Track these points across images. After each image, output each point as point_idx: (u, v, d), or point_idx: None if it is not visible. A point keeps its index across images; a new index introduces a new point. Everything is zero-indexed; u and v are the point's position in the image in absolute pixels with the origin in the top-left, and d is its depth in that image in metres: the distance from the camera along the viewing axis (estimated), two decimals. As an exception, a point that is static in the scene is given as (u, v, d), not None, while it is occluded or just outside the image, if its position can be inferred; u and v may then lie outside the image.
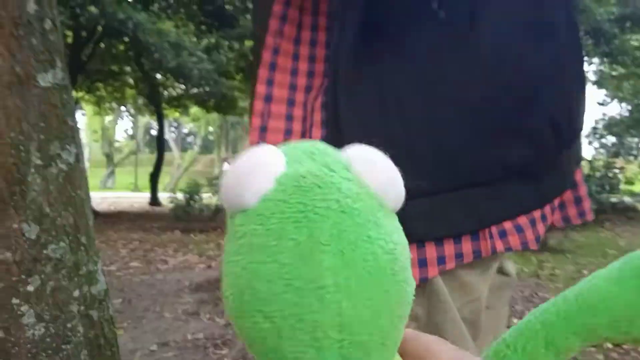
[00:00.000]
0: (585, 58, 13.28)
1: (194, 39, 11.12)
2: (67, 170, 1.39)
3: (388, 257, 0.24)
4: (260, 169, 0.24)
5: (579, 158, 0.90)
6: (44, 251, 1.31)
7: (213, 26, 11.75)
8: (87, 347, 1.44)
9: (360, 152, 0.26)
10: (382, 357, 0.25)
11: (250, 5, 10.60)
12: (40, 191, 1.32)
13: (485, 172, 0.73)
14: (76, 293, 1.38)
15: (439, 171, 0.72)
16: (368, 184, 0.25)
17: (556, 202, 0.86)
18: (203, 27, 12.29)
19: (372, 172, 0.25)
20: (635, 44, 14.60)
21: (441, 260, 0.77)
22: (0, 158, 1.25)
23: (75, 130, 1.46)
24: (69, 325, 1.37)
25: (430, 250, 0.76)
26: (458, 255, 0.77)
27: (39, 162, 1.33)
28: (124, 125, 47.39)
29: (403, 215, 0.26)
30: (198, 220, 9.88)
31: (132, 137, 43.60)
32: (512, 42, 0.73)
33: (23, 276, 1.26)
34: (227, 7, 11.20)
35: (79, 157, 1.45)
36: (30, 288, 1.28)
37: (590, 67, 14.13)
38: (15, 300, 1.26)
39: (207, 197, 10.27)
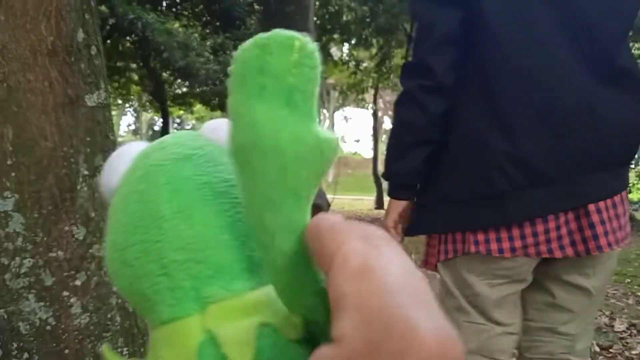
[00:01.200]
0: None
1: (200, 40, 11.28)
2: (108, 179, 1.58)
3: (224, 184, 0.27)
4: (118, 158, 0.31)
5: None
6: (90, 250, 1.50)
7: (219, 27, 11.93)
8: (123, 335, 1.63)
9: (208, 124, 0.32)
10: (232, 273, 0.25)
11: (256, 7, 10.78)
12: (87, 198, 1.50)
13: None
14: (114, 288, 1.56)
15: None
16: (214, 139, 0.30)
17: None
18: (209, 28, 12.48)
19: (216, 132, 0.31)
20: (637, 52, 14.77)
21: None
22: (55, 169, 1.44)
23: (114, 144, 1.65)
24: (109, 315, 1.56)
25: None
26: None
27: (86, 172, 1.51)
28: (127, 121, 47.61)
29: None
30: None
31: (135, 132, 43.79)
32: None
33: (72, 272, 1.45)
34: (234, 8, 11.38)
35: (117, 167, 1.64)
36: (77, 282, 1.47)
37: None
38: (65, 293, 1.45)
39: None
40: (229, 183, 0.27)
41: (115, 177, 0.30)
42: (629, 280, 5.84)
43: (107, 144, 1.57)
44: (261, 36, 0.22)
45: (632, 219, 10.44)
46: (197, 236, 0.26)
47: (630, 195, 10.41)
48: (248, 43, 0.23)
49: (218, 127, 0.31)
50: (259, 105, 0.22)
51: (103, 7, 9.05)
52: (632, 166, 10.28)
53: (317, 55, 0.23)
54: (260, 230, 0.22)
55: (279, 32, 0.22)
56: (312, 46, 0.23)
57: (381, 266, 0.17)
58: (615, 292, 5.29)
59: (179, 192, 0.27)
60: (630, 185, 10.07)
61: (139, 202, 0.27)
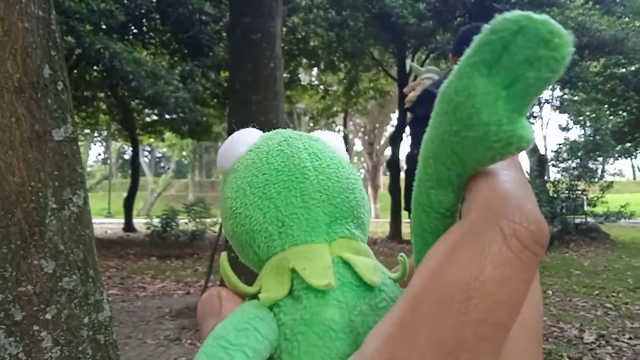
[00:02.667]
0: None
1: (169, 68, 11.30)
2: (77, 212, 1.59)
3: (349, 167, 0.36)
4: (238, 141, 0.38)
5: None
6: (60, 284, 1.50)
7: (187, 55, 11.97)
8: (95, 368, 1.62)
9: (322, 133, 0.40)
10: (352, 222, 0.33)
11: (224, 35, 10.88)
12: (56, 231, 1.51)
13: None
14: (86, 320, 1.56)
15: None
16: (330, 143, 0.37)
17: None
18: (177, 56, 12.51)
19: (331, 139, 0.38)
20: (595, 70, 15.37)
21: None
22: (23, 204, 1.45)
23: (83, 177, 1.66)
24: (80, 348, 1.55)
25: None
26: None
27: (54, 205, 1.52)
28: (97, 150, 46.84)
29: None
30: (174, 246, 9.92)
31: (105, 162, 43.12)
32: None
33: (42, 306, 1.45)
34: (201, 36, 11.44)
35: (86, 200, 1.65)
36: (48, 316, 1.46)
37: (553, 94, 14.83)
38: (35, 327, 1.44)
39: (183, 223, 10.33)
40: (351, 167, 0.36)
41: (232, 158, 0.36)
42: (597, 292, 5.99)
43: (75, 176, 1.58)
44: (525, 16, 0.23)
45: (598, 231, 10.71)
46: (333, 186, 0.33)
47: (595, 209, 10.72)
48: (512, 16, 0.23)
49: (331, 136, 0.39)
50: (481, 76, 0.23)
51: (69, 37, 9.00)
52: (595, 180, 10.60)
53: (564, 61, 0.23)
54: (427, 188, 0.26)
55: (544, 21, 0.22)
56: (566, 50, 0.22)
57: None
58: (584, 304, 5.42)
59: (316, 155, 0.34)
60: (595, 198, 10.31)
61: (282, 157, 0.34)
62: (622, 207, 10.50)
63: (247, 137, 0.37)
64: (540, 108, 16.57)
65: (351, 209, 0.33)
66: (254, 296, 0.31)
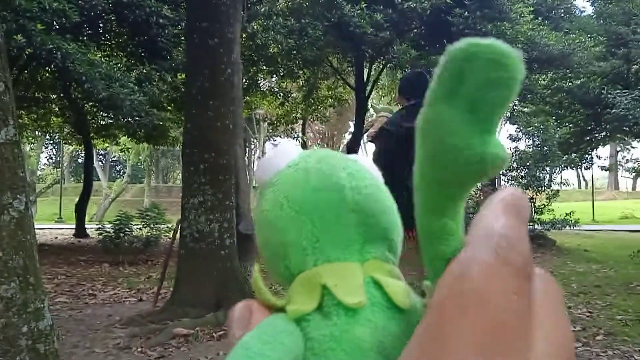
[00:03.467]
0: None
1: (125, 70, 11.07)
2: (18, 217, 1.55)
3: (383, 188, 0.36)
4: (279, 155, 0.39)
5: None
6: (-3, 291, 1.46)
7: (144, 57, 11.76)
8: (34, 378, 1.58)
9: (358, 156, 0.41)
10: (385, 244, 0.34)
11: (182, 39, 10.75)
12: (-6, 237, 1.46)
13: None
14: (24, 329, 1.52)
15: None
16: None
17: None
18: (134, 58, 12.27)
19: (366, 162, 0.40)
20: (543, 83, 15.98)
21: None
22: (-41, 209, 1.40)
23: (25, 181, 1.62)
24: (18, 358, 1.51)
25: None
26: None
27: (-7, 211, 1.48)
28: (48, 153, 45.26)
29: None
30: (127, 252, 9.69)
31: (56, 165, 41.68)
32: None
33: (-23, 314, 1.40)
34: (159, 39, 11.27)
35: (28, 205, 1.61)
36: (-17, 325, 1.42)
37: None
38: (-31, 337, 1.39)
39: (137, 229, 10.10)
40: (383, 187, 0.37)
41: (271, 171, 0.37)
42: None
43: (16, 181, 1.54)
44: (472, 43, 0.24)
45: (544, 238, 11.10)
46: (369, 207, 0.34)
47: (542, 217, 11.12)
48: (461, 44, 0.24)
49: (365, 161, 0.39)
50: (444, 104, 0.25)
51: (19, 37, 8.68)
52: (543, 188, 11.00)
53: (517, 78, 0.24)
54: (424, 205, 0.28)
55: (490, 44, 0.24)
56: (517, 68, 0.24)
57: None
58: (530, 308, 5.61)
59: (354, 175, 0.35)
60: (542, 206, 10.69)
61: (320, 175, 0.34)
62: (568, 214, 10.93)
63: (287, 153, 0.38)
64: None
65: (384, 231, 0.34)
66: (282, 309, 0.31)
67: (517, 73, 0.24)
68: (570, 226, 11.00)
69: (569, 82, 15.31)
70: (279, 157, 0.37)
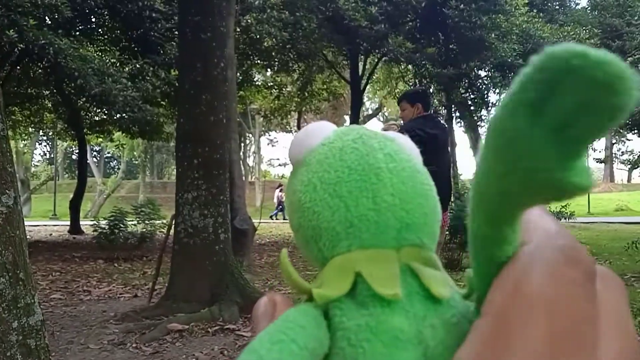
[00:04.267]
0: (494, 90, 14.40)
1: (118, 66, 11.01)
2: (6, 212, 1.53)
3: (422, 170, 0.34)
4: (313, 132, 0.37)
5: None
6: (-14, 287, 1.44)
7: (137, 52, 11.69)
8: (24, 374, 1.56)
9: (397, 135, 0.39)
10: (423, 230, 0.32)
11: (176, 33, 10.70)
12: (-18, 232, 1.45)
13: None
14: (15, 324, 1.51)
15: None
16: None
17: None
18: (127, 54, 12.20)
19: (406, 141, 0.38)
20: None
21: None
22: (-55, 204, 1.38)
23: (13, 176, 1.60)
24: (8, 354, 1.50)
25: None
26: None
27: (-20, 206, 1.46)
28: (42, 150, 45.03)
29: None
30: (122, 249, 9.66)
31: (51, 162, 41.51)
32: None
33: (-34, 311, 1.38)
34: (152, 34, 11.21)
35: (17, 200, 1.59)
36: (-28, 321, 1.40)
37: (501, 97, 15.32)
38: (-42, 333, 1.38)
39: (132, 225, 10.06)
40: (425, 172, 0.35)
41: (304, 150, 0.35)
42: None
43: (5, 176, 1.52)
44: (579, 53, 0.19)
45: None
46: (407, 191, 0.32)
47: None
48: (562, 52, 0.20)
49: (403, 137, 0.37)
50: (526, 116, 0.21)
51: (11, 32, 8.61)
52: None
53: (626, 108, 0.20)
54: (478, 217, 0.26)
55: (602, 60, 0.19)
56: (630, 96, 0.19)
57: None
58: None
59: (392, 156, 0.33)
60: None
61: (356, 155, 0.33)
62: (563, 207, 10.98)
63: (322, 130, 0.36)
64: (488, 112, 17.10)
65: (423, 216, 0.32)
66: (311, 294, 0.29)
67: (629, 102, 0.20)
68: (565, 218, 11.06)
69: (564, 75, 15.31)
70: (313, 133, 0.36)
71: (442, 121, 4.30)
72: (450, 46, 13.64)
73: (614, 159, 42.70)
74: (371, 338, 0.27)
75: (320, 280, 0.31)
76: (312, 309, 0.29)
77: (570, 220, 11.51)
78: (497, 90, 14.43)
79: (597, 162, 29.41)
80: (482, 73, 13.92)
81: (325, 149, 0.34)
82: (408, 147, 0.35)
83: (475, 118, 14.19)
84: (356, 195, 0.31)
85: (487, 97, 14.28)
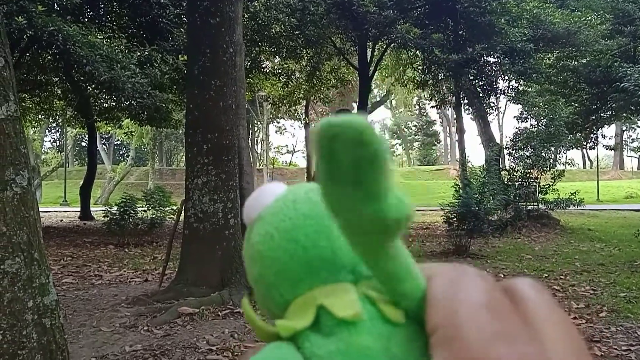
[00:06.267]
0: (502, 76, 14.25)
1: (127, 52, 10.99)
2: (21, 193, 1.55)
3: None
4: (265, 192, 0.39)
5: None
6: (2, 266, 1.47)
7: (146, 39, 11.68)
8: (40, 352, 1.59)
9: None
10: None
11: (184, 19, 10.66)
12: (-3, 213, 1.46)
13: None
14: (30, 303, 1.53)
15: None
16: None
17: None
18: (135, 40, 12.18)
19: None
20: (548, 62, 15.81)
21: None
22: (-38, 184, 1.40)
23: (27, 157, 1.62)
24: (24, 332, 1.52)
25: None
26: None
27: (-5, 186, 1.47)
28: (52, 137, 45.28)
29: None
30: (132, 234, 9.75)
31: (60, 149, 41.77)
32: None
33: (-17, 289, 1.41)
34: (160, 20, 11.18)
35: (30, 181, 1.61)
36: (-11, 299, 1.42)
37: (510, 84, 15.19)
38: (-25, 311, 1.40)
39: (141, 211, 10.15)
40: None
41: (259, 207, 0.37)
42: (546, 274, 6.23)
43: (18, 156, 1.54)
44: (333, 124, 0.25)
45: (548, 217, 11.10)
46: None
47: (546, 196, 11.09)
48: (323, 125, 0.25)
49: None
50: (330, 183, 0.26)
51: (20, 18, 8.63)
52: (548, 168, 10.96)
53: (380, 151, 0.25)
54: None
55: (346, 123, 0.25)
56: (376, 143, 0.25)
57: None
58: (533, 286, 5.63)
59: None
60: (546, 186, 10.67)
61: (309, 203, 0.35)
62: (572, 194, 10.90)
63: (273, 189, 0.38)
64: (497, 99, 16.95)
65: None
66: (278, 336, 0.31)
67: (379, 144, 0.25)
68: (574, 206, 10.98)
69: (575, 61, 15.14)
70: (265, 194, 0.38)
71: None
72: (460, 32, 13.50)
73: (624, 146, 42.30)
74: (343, 359, 0.29)
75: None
76: (286, 343, 0.30)
77: (579, 208, 11.44)
78: (506, 77, 14.31)
79: (607, 149, 29.13)
80: (491, 59, 13.78)
81: (279, 203, 0.36)
82: None
83: (484, 105, 14.06)
84: (313, 238, 0.33)
85: (495, 84, 14.15)
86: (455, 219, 8.05)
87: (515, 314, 0.25)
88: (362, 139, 0.24)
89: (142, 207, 10.19)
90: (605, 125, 18.23)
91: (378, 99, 32.81)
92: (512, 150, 11.45)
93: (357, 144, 0.24)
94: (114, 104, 14.78)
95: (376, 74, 16.90)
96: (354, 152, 0.24)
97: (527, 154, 10.97)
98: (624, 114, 15.43)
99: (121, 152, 50.36)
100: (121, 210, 9.68)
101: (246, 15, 11.44)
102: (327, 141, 0.25)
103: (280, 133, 46.80)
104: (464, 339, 0.24)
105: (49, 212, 20.33)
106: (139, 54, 11.07)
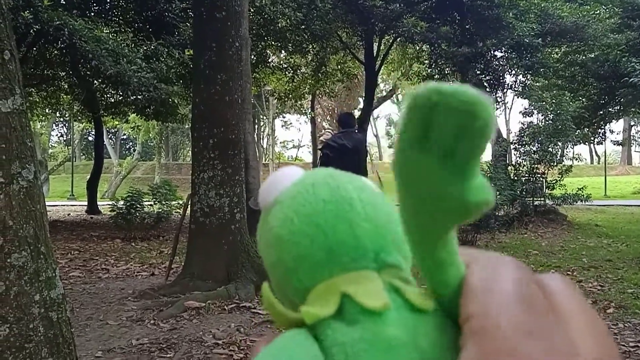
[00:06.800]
0: (510, 71, 14.15)
1: (133, 46, 11.00)
2: (27, 186, 1.55)
3: (390, 203, 0.36)
4: (282, 176, 0.39)
5: None
6: (8, 260, 1.47)
7: (152, 33, 11.66)
8: (47, 345, 1.60)
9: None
10: (398, 252, 0.34)
11: (191, 13, 10.63)
12: (4, 206, 1.47)
13: None
14: (37, 297, 1.53)
15: None
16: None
17: None
18: (141, 35, 12.18)
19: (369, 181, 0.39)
20: (556, 56, 15.69)
21: None
22: (-32, 177, 1.40)
23: (33, 151, 1.61)
24: (30, 326, 1.52)
25: None
26: None
27: (1, 180, 1.48)
28: (59, 131, 45.47)
29: None
30: (139, 228, 9.79)
31: (67, 143, 41.96)
32: None
33: (-11, 282, 1.41)
34: (166, 14, 11.17)
35: (37, 174, 1.61)
36: (-4, 293, 1.42)
37: (518, 79, 15.08)
38: (-18, 304, 1.40)
39: (148, 205, 10.18)
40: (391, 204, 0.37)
41: (276, 191, 0.36)
42: (553, 270, 6.21)
43: (25, 150, 1.54)
44: (435, 90, 0.23)
45: (555, 213, 11.04)
46: (379, 217, 0.34)
47: (553, 192, 11.02)
48: (424, 92, 0.24)
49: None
50: (415, 151, 0.25)
51: (26, 13, 8.63)
52: (555, 164, 10.89)
53: (490, 124, 0.23)
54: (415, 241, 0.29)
55: (455, 92, 0.23)
56: (487, 114, 0.23)
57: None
58: (540, 282, 5.61)
59: (361, 188, 0.35)
60: (554, 181, 10.60)
61: (328, 188, 0.34)
62: (579, 190, 10.84)
63: (291, 173, 0.38)
64: (504, 94, 16.84)
65: (396, 240, 0.34)
66: (299, 323, 0.30)
67: (489, 119, 0.23)
68: (581, 201, 10.92)
69: (583, 55, 15.01)
70: (282, 177, 0.37)
71: (356, 135, 5.89)
72: (467, 26, 13.41)
73: (632, 141, 41.99)
74: (368, 348, 0.28)
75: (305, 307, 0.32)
76: (302, 330, 0.30)
77: (586, 203, 11.38)
78: (513, 72, 14.21)
79: (614, 144, 28.95)
80: (499, 53, 13.68)
81: (297, 187, 0.36)
82: (369, 182, 0.37)
83: (491, 100, 13.94)
84: (333, 223, 0.33)
85: (502, 79, 14.06)
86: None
87: (548, 309, 0.25)
88: (471, 111, 0.23)
89: (149, 201, 10.23)
90: (613, 120, 18.10)
91: (384, 93, 32.70)
92: (519, 145, 11.37)
93: (464, 115, 0.23)
94: (120, 98, 14.79)
95: (382, 68, 16.83)
96: (457, 125, 0.23)
97: (534, 149, 10.90)
98: (632, 109, 15.31)
99: (128, 147, 50.52)
100: (128, 204, 9.71)
101: (252, 10, 11.40)
102: (426, 108, 0.23)
103: (286, 128, 46.81)
104: (497, 331, 0.23)
105: (57, 206, 20.43)
106: (145, 48, 11.06)
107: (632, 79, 10.53)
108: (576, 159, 13.30)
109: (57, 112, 20.33)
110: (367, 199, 0.34)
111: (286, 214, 0.34)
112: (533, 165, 10.94)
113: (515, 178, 10.79)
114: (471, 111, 0.23)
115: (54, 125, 39.11)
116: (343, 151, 5.40)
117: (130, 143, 49.41)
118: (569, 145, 11.82)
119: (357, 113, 18.39)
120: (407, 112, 0.24)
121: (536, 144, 10.96)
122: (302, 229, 0.33)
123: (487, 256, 0.29)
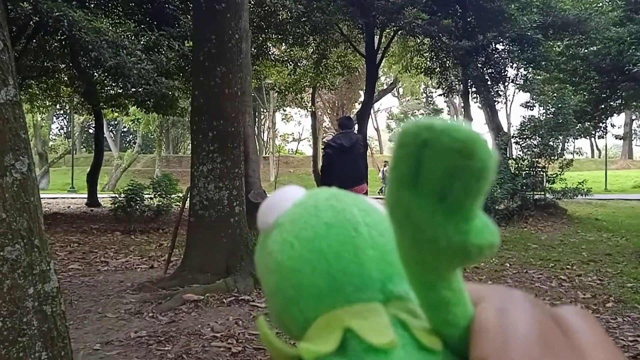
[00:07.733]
0: (511, 64, 14.10)
1: (133, 38, 10.95)
2: (20, 179, 1.53)
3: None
4: (282, 196, 0.37)
5: None
6: (1, 253, 1.45)
7: (152, 25, 11.61)
8: (41, 339, 1.59)
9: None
10: (406, 282, 0.30)
11: (191, 5, 10.57)
12: (-3, 199, 1.45)
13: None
14: (31, 290, 1.52)
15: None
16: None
17: None
18: (142, 26, 12.13)
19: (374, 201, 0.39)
20: (558, 50, 15.62)
21: None
22: (-40, 170, 1.38)
23: (27, 142, 1.59)
24: (24, 319, 1.51)
25: None
26: None
27: (-5, 172, 1.46)
28: (59, 124, 45.44)
29: None
30: (139, 221, 9.78)
31: (68, 136, 41.92)
32: None
33: (-18, 276, 1.39)
34: (167, 6, 11.12)
35: (31, 166, 1.59)
36: (-11, 286, 1.41)
37: (519, 72, 15.03)
38: (-25, 298, 1.39)
39: (148, 198, 10.18)
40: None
41: (276, 213, 0.34)
42: (552, 264, 6.20)
43: (18, 142, 1.52)
44: (426, 127, 0.22)
45: (555, 207, 11.03)
46: (386, 243, 0.31)
47: (554, 186, 11.00)
48: (414, 128, 0.22)
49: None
50: (407, 190, 0.23)
51: (25, 4, 8.59)
52: (555, 157, 10.87)
53: (486, 166, 0.22)
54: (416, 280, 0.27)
55: (447, 129, 0.21)
56: (484, 154, 0.21)
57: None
58: (540, 275, 5.60)
59: (367, 211, 0.33)
60: (554, 175, 10.58)
61: (332, 211, 0.32)
62: (580, 183, 10.82)
63: (292, 193, 0.35)
64: (505, 87, 16.79)
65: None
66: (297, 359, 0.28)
67: (486, 159, 0.21)
68: (582, 195, 10.90)
69: (585, 49, 14.94)
70: (283, 198, 0.35)
71: (354, 135, 6.37)
72: (468, 18, 13.34)
73: (634, 135, 41.90)
74: None
75: (305, 341, 0.29)
76: None
77: (587, 197, 11.36)
78: (515, 65, 14.15)
79: (616, 138, 28.86)
80: (500, 46, 13.62)
81: (298, 209, 0.33)
82: (376, 204, 0.35)
83: (492, 93, 13.92)
84: (336, 249, 0.31)
85: (504, 72, 14.00)
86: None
87: (567, 349, 0.23)
88: (465, 150, 0.21)
89: (149, 194, 10.22)
90: (615, 114, 18.03)
91: (385, 86, 32.61)
92: (520, 139, 11.34)
93: (458, 155, 0.21)
94: (120, 90, 14.74)
95: (383, 61, 16.76)
96: (449, 165, 0.21)
97: (535, 142, 10.87)
98: (634, 103, 15.25)
99: (128, 139, 50.49)
100: (128, 197, 9.70)
101: (252, 2, 11.35)
102: (416, 147, 0.22)
103: (287, 121, 46.71)
104: None
105: (57, 198, 20.44)
106: (145, 39, 11.02)
107: (635, 70, 10.45)
108: (577, 153, 13.26)
109: (57, 105, 20.29)
110: (373, 224, 0.32)
111: (286, 238, 0.32)
112: (534, 159, 10.91)
113: (516, 172, 10.77)
114: (464, 150, 0.21)
115: (54, 117, 39.07)
116: (342, 150, 6.05)
117: (131, 136, 49.38)
118: (570, 139, 11.77)
119: (357, 106, 18.32)
120: (396, 149, 0.23)
121: (537, 138, 10.93)
122: (303, 255, 0.31)
123: (497, 292, 0.27)
